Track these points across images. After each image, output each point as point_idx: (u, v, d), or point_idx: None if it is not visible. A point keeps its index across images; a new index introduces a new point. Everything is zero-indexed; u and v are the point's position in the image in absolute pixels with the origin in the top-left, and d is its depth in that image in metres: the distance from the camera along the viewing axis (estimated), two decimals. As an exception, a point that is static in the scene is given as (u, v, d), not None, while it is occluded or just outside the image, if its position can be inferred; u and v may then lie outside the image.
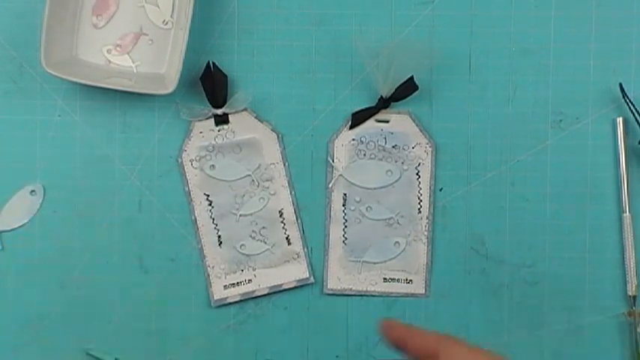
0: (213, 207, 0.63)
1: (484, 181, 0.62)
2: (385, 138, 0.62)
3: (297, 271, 0.63)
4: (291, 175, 0.63)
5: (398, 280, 0.63)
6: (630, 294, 0.61)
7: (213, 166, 0.63)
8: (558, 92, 0.62)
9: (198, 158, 0.63)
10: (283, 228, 0.63)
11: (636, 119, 0.60)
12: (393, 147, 0.62)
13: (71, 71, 0.59)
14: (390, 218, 0.63)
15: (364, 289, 0.63)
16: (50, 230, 0.63)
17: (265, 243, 0.63)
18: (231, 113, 0.62)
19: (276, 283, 0.63)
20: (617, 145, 0.61)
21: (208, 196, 0.63)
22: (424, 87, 0.61)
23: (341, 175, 0.63)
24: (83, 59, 0.62)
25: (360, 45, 0.60)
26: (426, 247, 0.63)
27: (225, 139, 0.63)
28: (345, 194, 0.63)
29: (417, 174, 0.62)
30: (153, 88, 0.60)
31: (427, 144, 0.62)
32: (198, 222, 0.63)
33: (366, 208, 0.63)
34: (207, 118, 0.62)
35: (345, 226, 0.63)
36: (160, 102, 0.63)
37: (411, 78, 0.60)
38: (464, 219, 0.63)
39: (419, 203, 0.62)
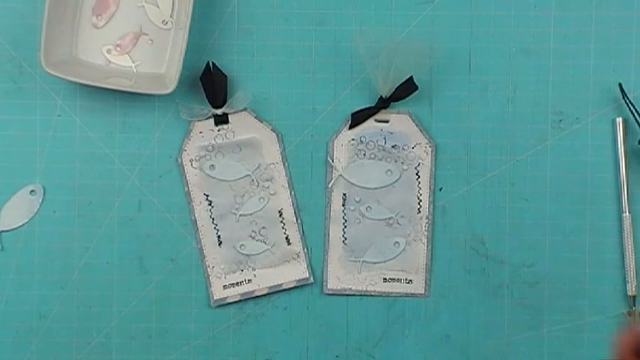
0: (213, 207, 0.63)
1: (484, 181, 0.62)
2: (385, 138, 0.62)
3: (296, 271, 0.63)
4: (291, 175, 0.63)
5: (398, 280, 0.63)
6: (630, 294, 0.61)
7: (213, 166, 0.63)
8: (558, 92, 0.62)
9: (198, 158, 0.63)
10: (283, 228, 0.63)
11: (636, 119, 0.60)
12: (393, 147, 0.62)
13: (71, 71, 0.59)
14: (389, 218, 0.63)
15: (364, 289, 0.63)
16: (50, 230, 0.63)
17: (265, 243, 0.63)
18: (231, 113, 0.62)
19: (275, 283, 0.63)
20: (617, 146, 0.61)
21: (208, 196, 0.63)
22: (424, 87, 0.61)
23: (341, 175, 0.63)
24: (83, 59, 0.62)
25: (360, 45, 0.60)
26: (425, 247, 0.63)
27: (225, 139, 0.63)
28: (344, 194, 0.63)
29: (417, 174, 0.62)
30: (153, 88, 0.60)
31: (427, 144, 0.62)
32: (198, 222, 0.63)
33: (366, 208, 0.63)
34: (207, 118, 0.62)
35: (345, 226, 0.63)
36: (160, 102, 0.63)
37: (411, 78, 0.60)
38: (464, 219, 0.63)
39: (419, 203, 0.62)
